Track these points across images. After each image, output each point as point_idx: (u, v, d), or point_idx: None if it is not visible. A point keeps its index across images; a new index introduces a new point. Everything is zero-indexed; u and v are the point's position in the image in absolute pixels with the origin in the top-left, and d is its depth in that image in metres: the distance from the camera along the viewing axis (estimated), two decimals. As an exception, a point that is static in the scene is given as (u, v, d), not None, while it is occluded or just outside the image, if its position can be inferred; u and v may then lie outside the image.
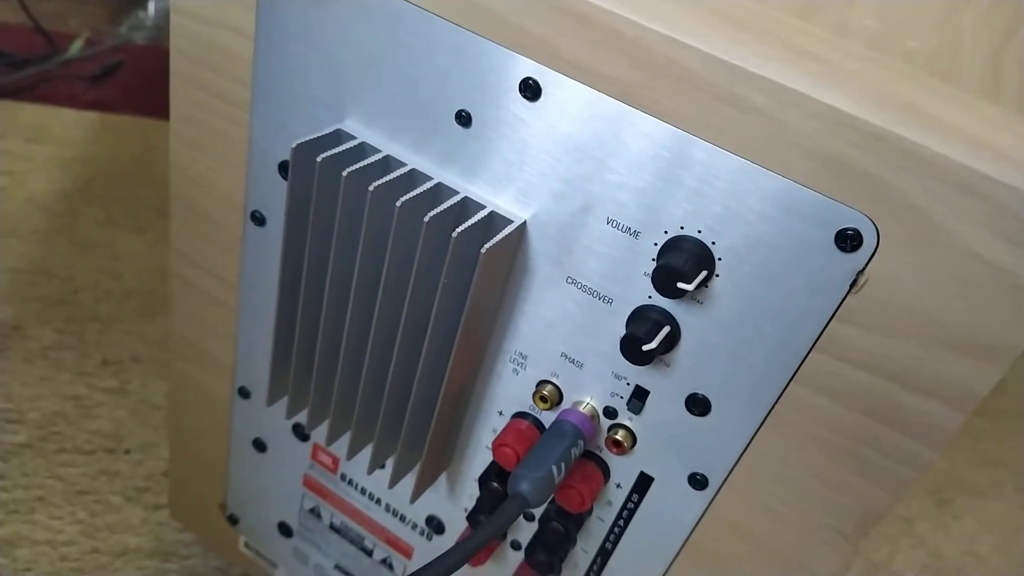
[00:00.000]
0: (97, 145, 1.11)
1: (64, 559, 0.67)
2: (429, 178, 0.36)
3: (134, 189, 1.05)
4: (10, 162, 1.04)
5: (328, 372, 0.42)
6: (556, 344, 0.37)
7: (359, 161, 0.36)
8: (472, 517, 0.42)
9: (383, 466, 0.45)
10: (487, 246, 0.33)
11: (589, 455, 0.38)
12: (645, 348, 0.32)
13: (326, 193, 0.37)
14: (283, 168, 0.40)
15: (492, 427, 0.40)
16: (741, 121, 0.28)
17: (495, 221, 0.35)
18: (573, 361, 0.36)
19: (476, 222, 0.34)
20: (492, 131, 0.34)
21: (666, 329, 0.32)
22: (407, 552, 0.49)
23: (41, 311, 0.86)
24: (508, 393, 0.39)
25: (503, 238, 0.34)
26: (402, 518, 0.48)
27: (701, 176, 0.30)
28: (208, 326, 0.49)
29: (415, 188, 0.35)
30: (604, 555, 0.40)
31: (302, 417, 0.46)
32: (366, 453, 0.43)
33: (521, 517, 0.42)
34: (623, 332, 0.33)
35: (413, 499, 0.42)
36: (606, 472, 0.38)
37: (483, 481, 0.41)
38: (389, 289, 0.37)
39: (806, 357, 0.31)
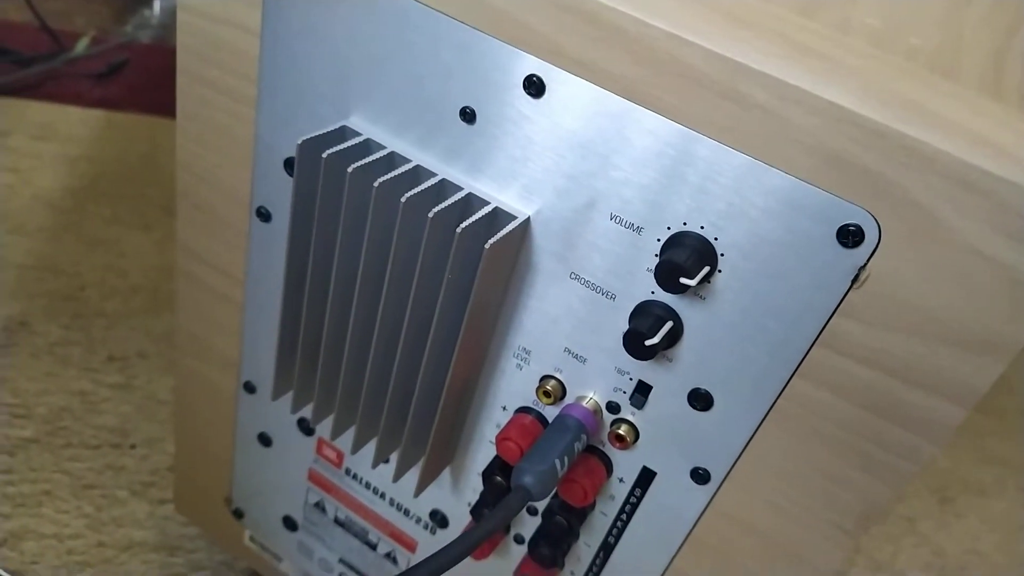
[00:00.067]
0: (103, 143, 1.12)
1: (70, 552, 0.68)
2: (434, 174, 0.36)
3: (140, 187, 1.05)
4: (17, 159, 1.05)
5: (333, 367, 0.42)
6: (559, 339, 0.37)
7: (364, 157, 0.36)
8: (476, 511, 0.43)
9: (387, 461, 0.46)
10: (491, 242, 0.33)
11: (592, 450, 0.38)
12: (648, 343, 0.32)
13: (331, 189, 0.37)
14: (288, 164, 0.41)
15: (496, 422, 0.41)
16: (743, 118, 0.29)
17: (499, 217, 0.35)
18: (576, 356, 0.37)
19: (480, 218, 0.34)
20: (496, 128, 0.34)
21: (669, 324, 0.32)
22: (411, 546, 0.49)
23: (48, 307, 0.87)
24: (512, 388, 0.39)
25: (507, 234, 0.34)
26: (406, 512, 0.48)
27: (704, 172, 0.30)
28: (214, 321, 0.49)
29: (420, 184, 0.35)
30: (607, 549, 0.41)
31: (307, 412, 0.46)
32: (371, 448, 0.43)
33: (524, 511, 0.43)
34: (626, 327, 0.34)
35: (417, 493, 0.43)
36: (609, 466, 0.38)
37: (487, 475, 0.42)
38: (394, 284, 0.37)
39: (808, 352, 0.31)
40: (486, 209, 0.35)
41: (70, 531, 0.69)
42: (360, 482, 0.49)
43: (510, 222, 0.35)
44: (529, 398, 0.39)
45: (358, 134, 0.37)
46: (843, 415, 0.31)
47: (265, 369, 0.49)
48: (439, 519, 0.47)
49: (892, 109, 0.27)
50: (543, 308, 0.37)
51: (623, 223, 0.33)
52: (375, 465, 0.42)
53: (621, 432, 0.36)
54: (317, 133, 0.37)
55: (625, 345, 0.33)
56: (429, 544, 0.48)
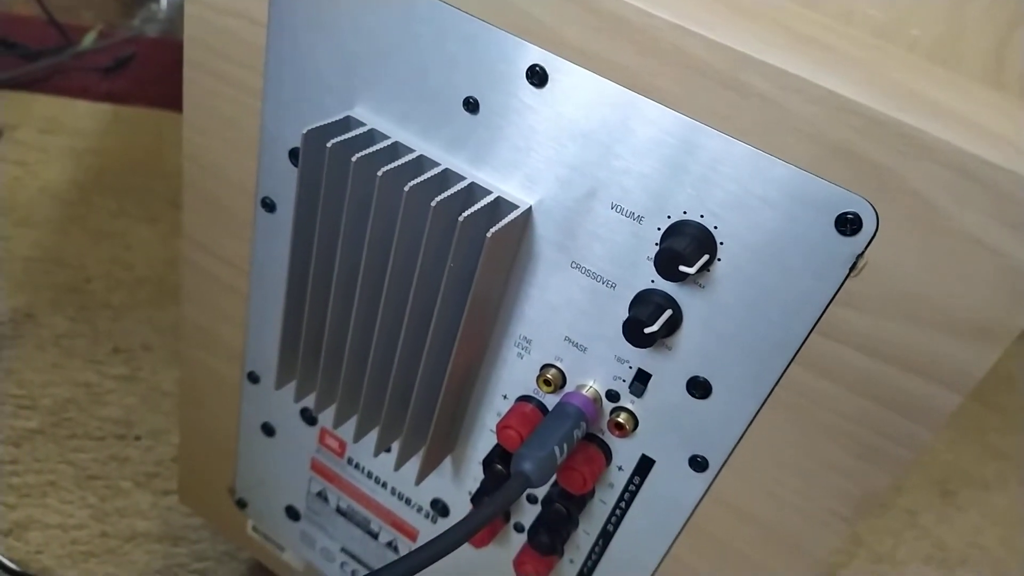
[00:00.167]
0: (110, 136, 1.12)
1: (75, 542, 0.68)
2: (437, 164, 0.36)
3: (146, 180, 1.06)
4: (24, 153, 1.05)
5: (336, 356, 0.42)
6: (560, 328, 0.37)
7: (368, 147, 0.37)
8: (476, 499, 0.43)
9: (389, 450, 0.46)
10: (493, 230, 0.34)
11: (592, 438, 0.38)
12: (647, 331, 0.32)
13: (336, 179, 0.37)
14: (293, 155, 0.41)
15: (496, 410, 0.41)
16: (744, 107, 0.29)
17: (501, 206, 0.35)
18: (577, 345, 0.37)
19: (483, 207, 0.35)
20: (499, 118, 0.34)
21: (668, 312, 0.33)
22: (412, 535, 0.50)
23: (54, 299, 0.87)
24: (512, 377, 0.40)
25: (509, 222, 0.34)
26: (407, 501, 0.48)
27: (704, 162, 0.31)
28: (219, 311, 0.50)
29: (423, 174, 0.36)
30: (606, 537, 0.41)
31: (310, 401, 0.47)
32: (372, 437, 0.43)
33: (524, 499, 0.43)
34: (626, 316, 0.34)
35: (418, 481, 0.43)
36: (608, 454, 0.38)
37: (487, 464, 0.42)
38: (396, 273, 0.37)
39: (806, 340, 0.31)
40: (488, 198, 0.35)
41: (74, 521, 0.70)
42: (362, 471, 0.49)
43: (512, 211, 0.35)
44: (530, 387, 0.39)
45: (362, 124, 0.38)
46: (840, 402, 0.32)
47: (269, 359, 0.49)
48: (440, 508, 0.47)
49: (891, 98, 0.27)
50: (544, 297, 0.37)
51: (624, 212, 0.33)
52: (377, 454, 0.43)
53: (620, 420, 0.37)
54: (322, 123, 0.37)
55: (625, 333, 0.33)
56: (430, 533, 0.49)
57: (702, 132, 0.30)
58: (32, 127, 1.10)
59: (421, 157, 0.37)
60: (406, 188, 0.35)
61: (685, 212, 0.32)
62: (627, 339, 0.33)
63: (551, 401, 0.39)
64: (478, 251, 0.35)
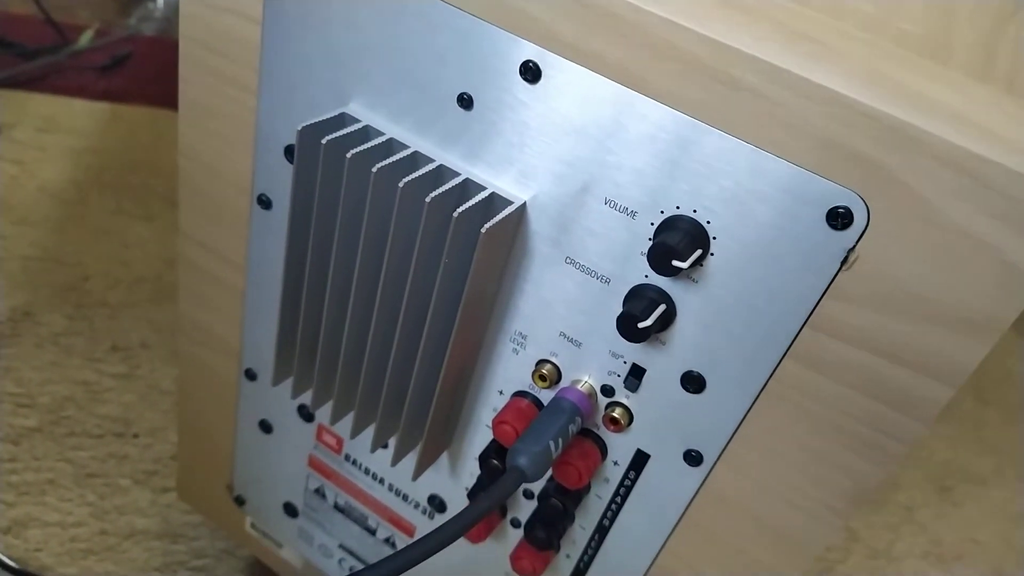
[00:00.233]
0: (107, 135, 1.12)
1: (74, 540, 0.68)
2: (431, 160, 0.36)
3: (144, 178, 1.06)
4: (22, 151, 1.05)
5: (332, 352, 0.42)
6: (555, 324, 0.37)
7: (363, 143, 0.37)
8: (473, 495, 0.43)
9: (386, 446, 0.46)
10: (487, 226, 0.34)
11: (587, 433, 0.39)
12: (641, 326, 0.32)
13: (330, 175, 0.37)
14: (289, 151, 0.41)
15: (492, 406, 0.41)
16: (736, 102, 0.29)
17: (495, 202, 0.35)
18: (572, 340, 0.37)
19: (477, 203, 0.35)
20: (493, 113, 0.34)
21: (662, 307, 0.33)
22: (409, 531, 0.50)
23: (52, 298, 0.87)
24: (508, 372, 0.40)
25: (503, 218, 0.35)
26: (404, 497, 0.48)
27: (697, 157, 0.31)
28: (216, 308, 0.50)
29: (418, 170, 0.36)
30: (602, 532, 0.41)
31: (307, 398, 0.47)
32: (369, 433, 0.44)
33: (521, 495, 0.43)
34: (620, 311, 0.34)
35: (415, 477, 0.43)
36: (603, 449, 0.39)
37: (483, 459, 0.42)
38: (392, 270, 0.37)
39: (798, 334, 0.31)
40: (483, 194, 0.35)
41: (73, 519, 0.70)
42: (359, 468, 0.50)
43: (506, 207, 0.35)
44: (525, 382, 0.40)
45: (357, 120, 0.38)
46: (833, 395, 0.32)
47: (266, 356, 0.49)
48: (437, 504, 0.47)
49: (880, 92, 0.27)
50: (539, 293, 0.37)
51: (617, 207, 0.33)
52: (374, 450, 0.43)
53: (615, 415, 0.37)
54: (317, 120, 0.37)
55: (619, 328, 0.33)
56: (427, 529, 0.49)
57: (694, 127, 0.30)
58: (29, 126, 1.10)
59: (415, 153, 0.37)
60: (400, 184, 0.35)
61: (678, 207, 0.32)
62: (621, 334, 0.33)
63: (546, 396, 0.39)
64: (473, 247, 0.35)
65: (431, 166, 0.36)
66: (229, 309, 0.49)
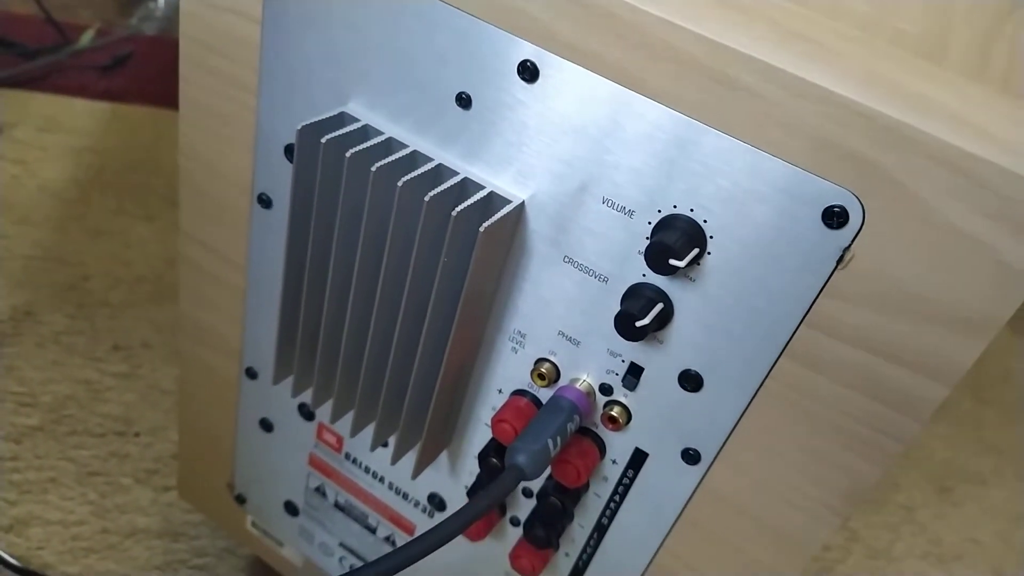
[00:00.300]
0: (108, 134, 1.12)
1: (75, 538, 0.69)
2: (430, 159, 0.37)
3: (145, 178, 1.06)
4: (23, 151, 1.05)
5: (332, 351, 0.43)
6: (554, 322, 0.37)
7: (363, 143, 0.37)
8: (472, 493, 0.43)
9: (386, 444, 0.46)
10: (486, 225, 0.34)
11: (586, 432, 0.39)
12: (638, 324, 0.32)
13: (330, 174, 0.37)
14: (289, 151, 0.41)
15: (491, 405, 0.41)
16: (733, 101, 0.29)
17: (494, 201, 0.36)
18: (570, 339, 0.37)
19: (475, 202, 0.35)
20: (492, 113, 0.35)
21: (659, 306, 0.33)
22: (410, 529, 0.50)
23: (53, 297, 0.88)
24: (507, 371, 0.40)
25: (502, 217, 0.35)
26: (404, 496, 0.49)
27: (694, 156, 0.31)
28: (216, 307, 0.50)
29: (417, 169, 0.36)
30: (600, 530, 0.41)
31: (307, 396, 0.47)
32: (369, 431, 0.44)
33: (520, 493, 0.43)
34: (618, 309, 0.34)
35: (415, 476, 0.43)
36: (602, 448, 0.39)
37: (482, 458, 0.42)
38: (391, 269, 0.38)
39: (795, 332, 0.32)
40: (481, 193, 0.35)
41: (75, 518, 0.70)
42: (359, 466, 0.50)
43: (505, 206, 0.35)
44: (524, 381, 0.40)
45: (356, 120, 0.38)
46: (829, 394, 0.32)
47: (266, 355, 0.49)
48: (437, 502, 0.47)
49: (876, 92, 0.27)
50: (537, 292, 0.37)
51: (615, 207, 0.33)
52: (373, 448, 0.43)
53: (614, 414, 0.37)
54: (316, 119, 0.37)
55: (616, 327, 0.33)
56: (427, 527, 0.49)
57: (691, 127, 0.30)
58: (30, 126, 1.10)
59: (415, 152, 0.37)
60: (400, 183, 0.35)
61: (675, 206, 0.32)
62: (619, 333, 0.33)
63: (545, 395, 0.39)
64: (471, 246, 0.35)
65: (430, 165, 0.36)
66: (230, 308, 0.49)
